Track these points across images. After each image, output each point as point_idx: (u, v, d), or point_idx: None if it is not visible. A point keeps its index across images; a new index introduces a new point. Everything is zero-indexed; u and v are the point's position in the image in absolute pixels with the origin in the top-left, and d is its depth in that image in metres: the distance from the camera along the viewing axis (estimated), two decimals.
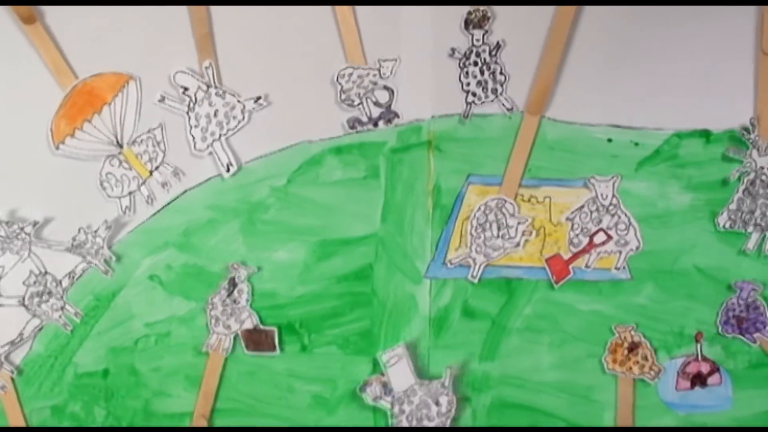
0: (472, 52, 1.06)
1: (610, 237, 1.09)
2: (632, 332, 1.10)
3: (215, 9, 1.08)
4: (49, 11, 1.06)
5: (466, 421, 1.13)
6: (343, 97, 1.09)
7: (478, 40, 1.06)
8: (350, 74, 1.08)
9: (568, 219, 1.09)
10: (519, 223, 1.09)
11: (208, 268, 1.12)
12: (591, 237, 1.09)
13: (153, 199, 1.10)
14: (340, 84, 1.08)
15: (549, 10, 1.06)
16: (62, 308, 1.11)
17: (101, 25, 1.07)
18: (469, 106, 1.08)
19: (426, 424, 1.11)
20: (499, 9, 1.06)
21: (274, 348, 1.12)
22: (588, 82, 1.07)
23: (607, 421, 1.12)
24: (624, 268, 1.09)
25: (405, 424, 1.11)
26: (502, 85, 1.07)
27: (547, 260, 1.10)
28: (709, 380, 1.10)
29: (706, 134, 1.08)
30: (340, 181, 1.11)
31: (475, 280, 1.10)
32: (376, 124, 1.10)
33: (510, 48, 1.07)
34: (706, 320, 1.10)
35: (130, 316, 1.13)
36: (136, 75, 1.08)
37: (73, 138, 1.08)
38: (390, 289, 1.11)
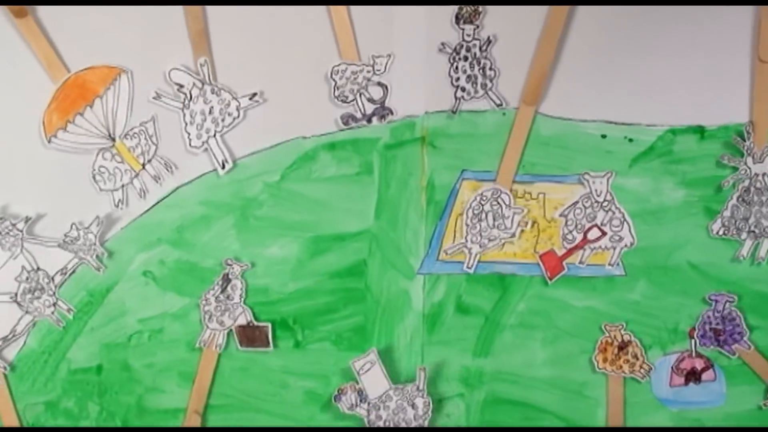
0: (462, 47, 1.06)
1: (604, 233, 1.09)
2: (622, 331, 1.10)
3: (210, 6, 1.08)
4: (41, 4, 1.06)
5: (459, 417, 1.13)
6: (337, 93, 1.08)
7: (468, 35, 1.05)
8: (344, 70, 1.08)
9: (562, 215, 1.09)
10: (515, 213, 1.09)
11: (201, 264, 1.12)
12: (585, 233, 1.09)
13: (145, 192, 1.10)
14: (333, 80, 1.08)
15: (542, 5, 1.05)
16: (54, 304, 1.11)
17: (94, 20, 1.06)
18: (458, 101, 1.08)
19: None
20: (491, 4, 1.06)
21: (267, 344, 1.12)
22: (582, 78, 1.07)
23: (600, 418, 1.12)
24: (618, 264, 1.09)
25: None
26: (491, 81, 1.07)
27: (540, 256, 1.10)
28: (703, 376, 1.11)
29: (700, 130, 1.07)
30: (333, 177, 1.10)
31: (471, 270, 1.10)
32: (369, 120, 1.09)
33: (502, 43, 1.06)
34: (699, 316, 1.10)
35: (124, 312, 1.12)
36: (128, 68, 1.07)
37: (66, 131, 1.08)
38: (383, 285, 1.11)
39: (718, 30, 1.06)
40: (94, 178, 1.09)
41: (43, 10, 1.06)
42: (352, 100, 1.09)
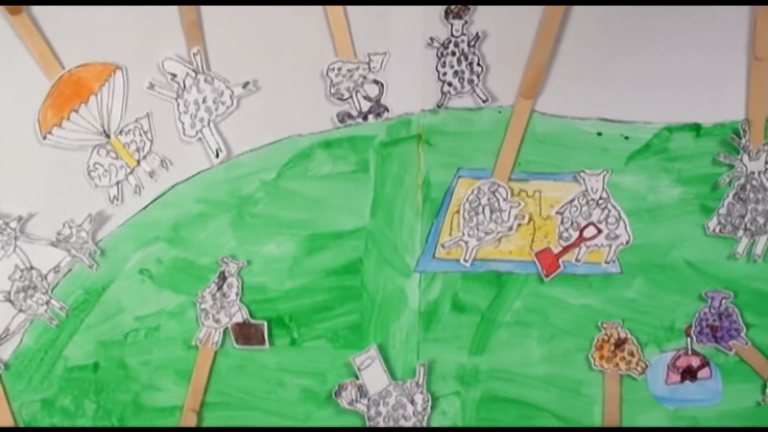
0: (450, 42, 1.06)
1: (600, 231, 1.09)
2: (619, 328, 1.10)
3: (205, 7, 1.08)
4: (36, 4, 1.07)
5: (454, 415, 1.13)
6: (333, 91, 1.08)
7: (457, 30, 1.05)
8: (340, 68, 1.08)
9: (558, 213, 1.09)
10: (512, 207, 1.08)
11: (197, 262, 1.12)
12: (581, 231, 1.09)
13: (141, 189, 1.10)
14: (329, 78, 1.08)
15: (536, 5, 1.05)
16: (47, 303, 1.11)
17: (89, 16, 1.06)
18: (444, 96, 1.07)
19: (402, 423, 1.11)
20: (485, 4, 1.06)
21: (263, 342, 1.12)
22: (578, 76, 1.07)
23: (596, 416, 1.12)
24: (614, 262, 1.09)
25: (381, 426, 1.11)
26: (479, 77, 1.07)
27: (537, 254, 1.10)
28: (700, 374, 1.10)
29: (696, 128, 1.07)
30: (329, 175, 1.10)
31: (468, 264, 1.10)
32: (365, 118, 1.09)
33: (492, 39, 1.06)
34: (696, 314, 1.10)
35: (120, 309, 1.13)
36: (123, 64, 1.07)
37: (60, 128, 1.08)
38: (379, 283, 1.11)
39: (715, 28, 1.06)
40: (89, 174, 1.09)
41: (37, 7, 1.06)
42: (348, 98, 1.09)
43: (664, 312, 1.10)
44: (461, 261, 1.10)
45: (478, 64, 1.06)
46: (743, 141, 1.05)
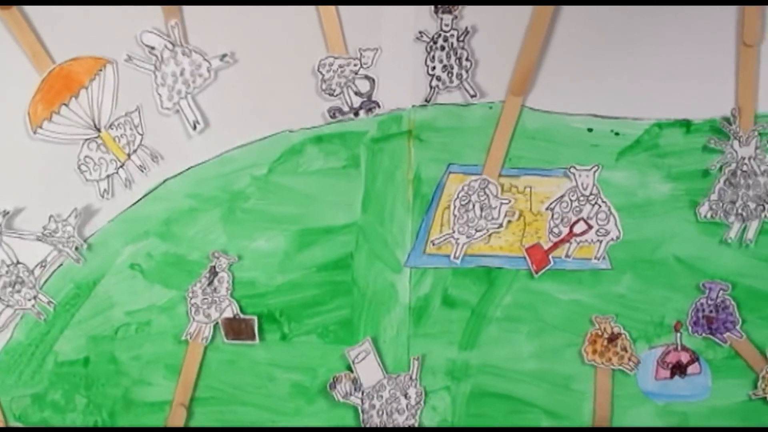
0: (440, 36, 1.06)
1: (590, 226, 1.09)
2: (612, 323, 1.10)
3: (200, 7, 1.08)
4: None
5: (445, 410, 1.13)
6: (324, 86, 1.08)
7: (446, 25, 1.06)
8: (331, 64, 1.08)
9: (548, 208, 1.09)
10: (502, 204, 1.09)
11: (188, 257, 1.12)
12: (571, 226, 1.09)
13: (131, 182, 1.10)
14: (321, 73, 1.08)
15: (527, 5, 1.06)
16: (35, 297, 1.11)
17: (79, 8, 1.06)
18: (433, 90, 1.08)
19: (396, 417, 1.11)
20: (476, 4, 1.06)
21: (253, 337, 1.12)
22: (568, 72, 1.07)
23: (586, 411, 1.12)
24: (604, 257, 1.10)
25: (375, 418, 1.11)
26: (467, 71, 1.07)
27: (527, 249, 1.10)
28: (689, 369, 1.11)
29: (686, 124, 1.08)
30: (320, 170, 1.11)
31: (458, 261, 1.10)
32: (356, 114, 1.10)
33: (482, 34, 1.06)
34: (685, 310, 1.10)
35: (111, 304, 1.13)
36: (113, 59, 1.08)
37: (51, 122, 1.08)
38: (370, 278, 1.12)
39: (705, 24, 1.06)
40: (79, 168, 1.09)
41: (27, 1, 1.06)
42: (339, 94, 1.09)
43: (653, 307, 1.10)
44: (451, 258, 1.10)
45: (467, 59, 1.06)
46: (733, 127, 1.06)
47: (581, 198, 1.08)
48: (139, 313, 1.13)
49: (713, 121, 1.07)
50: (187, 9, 1.07)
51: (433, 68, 1.07)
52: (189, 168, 1.11)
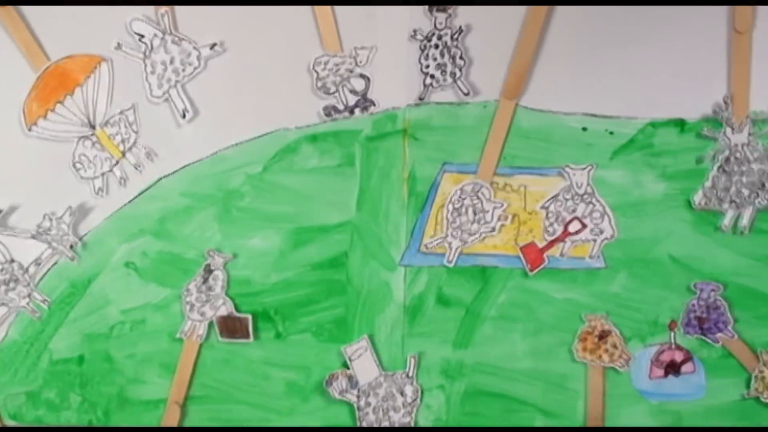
0: (434, 34, 1.06)
1: (584, 225, 1.09)
2: (602, 321, 1.10)
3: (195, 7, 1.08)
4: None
5: (439, 409, 1.13)
6: (320, 84, 1.09)
7: (441, 23, 1.06)
8: (326, 62, 1.08)
9: (543, 207, 1.09)
10: (495, 208, 1.09)
11: (183, 255, 1.12)
12: (566, 225, 1.09)
13: (126, 180, 1.10)
14: (316, 72, 1.08)
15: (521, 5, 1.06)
16: (29, 295, 1.11)
17: (74, 7, 1.07)
18: (426, 89, 1.08)
19: (392, 415, 1.11)
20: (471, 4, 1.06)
21: (248, 335, 1.12)
22: (563, 71, 1.07)
23: (580, 410, 1.12)
24: (598, 256, 1.10)
25: (371, 416, 1.11)
26: (461, 70, 1.07)
27: (521, 248, 1.10)
28: (683, 368, 1.11)
29: (680, 123, 1.08)
30: (315, 168, 1.11)
31: (451, 265, 1.10)
32: (352, 112, 1.10)
33: (476, 33, 1.06)
34: (680, 309, 1.10)
35: (106, 302, 1.13)
36: (108, 57, 1.08)
37: (46, 120, 1.08)
38: (365, 277, 1.12)
39: (697, 23, 1.06)
40: (74, 166, 1.09)
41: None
42: (335, 92, 1.09)
43: (648, 306, 1.10)
44: (445, 262, 1.10)
45: (461, 57, 1.07)
46: (726, 114, 1.06)
47: (576, 197, 1.09)
48: (133, 311, 1.13)
49: (707, 121, 1.07)
50: (183, 8, 1.07)
51: (427, 66, 1.07)
52: (184, 166, 1.11)
